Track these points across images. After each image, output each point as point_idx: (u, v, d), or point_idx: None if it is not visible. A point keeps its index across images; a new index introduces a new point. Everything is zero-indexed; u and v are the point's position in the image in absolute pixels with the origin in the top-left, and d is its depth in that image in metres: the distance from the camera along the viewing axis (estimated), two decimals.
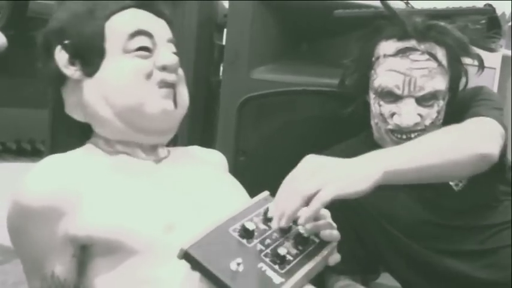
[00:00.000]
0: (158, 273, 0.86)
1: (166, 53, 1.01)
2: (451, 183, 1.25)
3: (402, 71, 1.18)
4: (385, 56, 1.21)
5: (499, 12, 1.33)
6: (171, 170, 1.02)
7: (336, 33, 1.43)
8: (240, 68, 1.40)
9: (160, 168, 1.03)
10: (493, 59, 2.71)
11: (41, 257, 0.93)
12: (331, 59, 1.45)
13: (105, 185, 0.94)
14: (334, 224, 0.93)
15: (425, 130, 1.20)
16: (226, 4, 1.52)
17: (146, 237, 0.89)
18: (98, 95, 0.98)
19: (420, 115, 1.19)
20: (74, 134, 1.08)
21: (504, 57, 2.84)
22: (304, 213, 0.84)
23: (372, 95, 1.25)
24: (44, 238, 0.92)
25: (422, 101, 1.19)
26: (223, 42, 1.49)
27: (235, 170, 1.39)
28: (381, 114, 1.22)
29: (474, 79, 1.30)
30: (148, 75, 0.99)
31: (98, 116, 0.99)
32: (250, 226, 0.84)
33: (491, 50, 1.33)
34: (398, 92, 1.19)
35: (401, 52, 1.19)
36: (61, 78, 1.02)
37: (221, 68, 1.51)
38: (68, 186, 0.91)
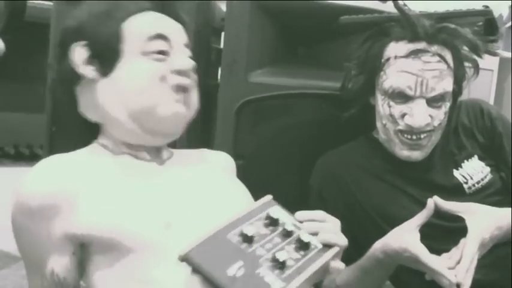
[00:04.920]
0: (155, 272, 0.88)
1: (182, 57, 1.02)
2: (464, 185, 1.26)
3: (414, 72, 1.20)
4: (396, 57, 1.22)
5: (495, 14, 1.34)
6: (172, 172, 1.03)
7: (334, 36, 1.43)
8: (237, 72, 1.40)
9: (162, 169, 1.04)
10: (490, 61, 2.71)
11: (41, 255, 0.95)
12: (329, 62, 1.46)
13: (104, 184, 0.95)
14: (338, 229, 0.93)
15: (433, 131, 1.22)
16: (223, 8, 1.52)
17: (142, 236, 0.90)
18: (112, 95, 0.99)
19: (430, 116, 1.21)
20: (72, 138, 1.09)
21: (502, 59, 2.84)
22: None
23: (380, 96, 1.26)
24: (43, 236, 0.93)
25: (432, 102, 1.21)
26: (221, 46, 1.49)
27: None
28: (391, 115, 1.23)
29: (471, 81, 1.32)
30: (163, 78, 0.99)
31: (110, 116, 1.00)
32: (249, 231, 0.83)
33: (494, 54, 1.35)
34: (411, 92, 1.20)
35: (413, 53, 1.21)
36: (75, 78, 1.02)
37: (219, 72, 1.50)
38: (66, 184, 0.93)
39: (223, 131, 1.41)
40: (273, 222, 0.88)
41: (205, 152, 1.18)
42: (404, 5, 1.28)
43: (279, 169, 1.40)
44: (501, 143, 1.31)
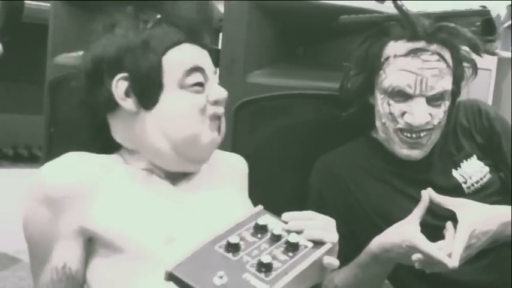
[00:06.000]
0: (151, 281, 0.89)
1: (218, 88, 1.05)
2: (463, 185, 1.27)
3: (414, 70, 1.21)
4: (395, 56, 1.23)
5: (493, 14, 1.34)
6: (186, 188, 1.06)
7: (333, 36, 1.43)
8: (235, 72, 1.39)
9: (176, 185, 1.06)
10: (488, 61, 2.71)
11: (51, 246, 0.96)
12: (327, 62, 1.46)
13: (119, 189, 0.98)
14: (329, 227, 0.93)
15: (433, 129, 1.23)
16: (221, 8, 1.52)
17: (145, 246, 0.93)
18: (155, 127, 1.01)
19: (430, 114, 1.22)
20: (70, 139, 1.09)
21: (500, 59, 2.84)
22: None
23: (379, 95, 1.26)
24: (58, 226, 0.95)
25: (432, 100, 1.22)
26: (219, 47, 1.49)
27: None
28: (391, 114, 1.23)
29: (470, 81, 1.32)
30: (203, 110, 1.03)
31: (154, 147, 1.02)
32: (234, 240, 0.84)
33: (493, 54, 1.35)
34: (410, 91, 1.21)
35: (413, 52, 1.21)
36: (111, 106, 1.02)
37: (217, 73, 1.50)
38: (86, 180, 0.96)
39: None
40: (261, 230, 0.88)
41: (218, 154, 1.18)
42: (402, 5, 1.28)
43: (278, 170, 1.40)
44: (499, 144, 1.31)
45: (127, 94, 1.01)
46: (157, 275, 0.84)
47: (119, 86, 1.01)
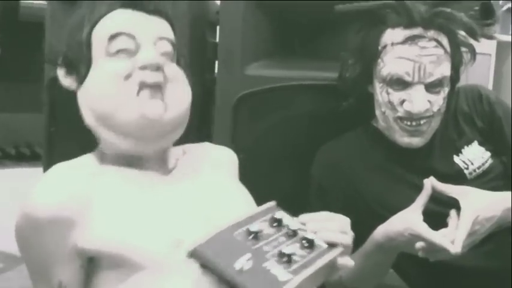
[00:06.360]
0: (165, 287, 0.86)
1: (147, 52, 0.95)
2: (465, 171, 1.27)
3: (412, 57, 1.20)
4: (393, 44, 1.22)
5: None
6: (180, 183, 1.00)
7: (329, 27, 1.43)
8: (234, 65, 1.39)
9: (169, 180, 1.01)
10: (488, 45, 2.71)
11: (48, 268, 0.92)
12: (325, 53, 1.45)
13: (114, 197, 0.93)
14: (344, 227, 0.93)
15: (433, 116, 1.23)
16: (217, 1, 1.52)
17: (152, 253, 0.88)
18: (83, 102, 0.98)
19: (429, 101, 1.21)
20: (70, 138, 1.09)
21: (500, 43, 2.84)
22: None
23: (378, 84, 1.26)
24: (52, 249, 0.91)
25: (431, 87, 1.21)
26: (217, 40, 1.49)
27: None
28: (390, 102, 1.23)
29: (469, 66, 1.32)
30: (127, 77, 0.93)
31: (88, 125, 0.98)
32: (254, 228, 0.85)
33: (491, 38, 1.34)
34: (409, 78, 1.20)
35: (410, 39, 1.21)
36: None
37: (215, 66, 1.50)
38: (77, 197, 0.90)
39: (222, 125, 1.41)
40: (277, 223, 0.89)
41: (208, 148, 1.16)
42: None
43: (278, 161, 1.40)
44: (501, 128, 1.31)
45: (69, 73, 1.00)
46: (175, 280, 0.84)
47: (60, 65, 1.01)
